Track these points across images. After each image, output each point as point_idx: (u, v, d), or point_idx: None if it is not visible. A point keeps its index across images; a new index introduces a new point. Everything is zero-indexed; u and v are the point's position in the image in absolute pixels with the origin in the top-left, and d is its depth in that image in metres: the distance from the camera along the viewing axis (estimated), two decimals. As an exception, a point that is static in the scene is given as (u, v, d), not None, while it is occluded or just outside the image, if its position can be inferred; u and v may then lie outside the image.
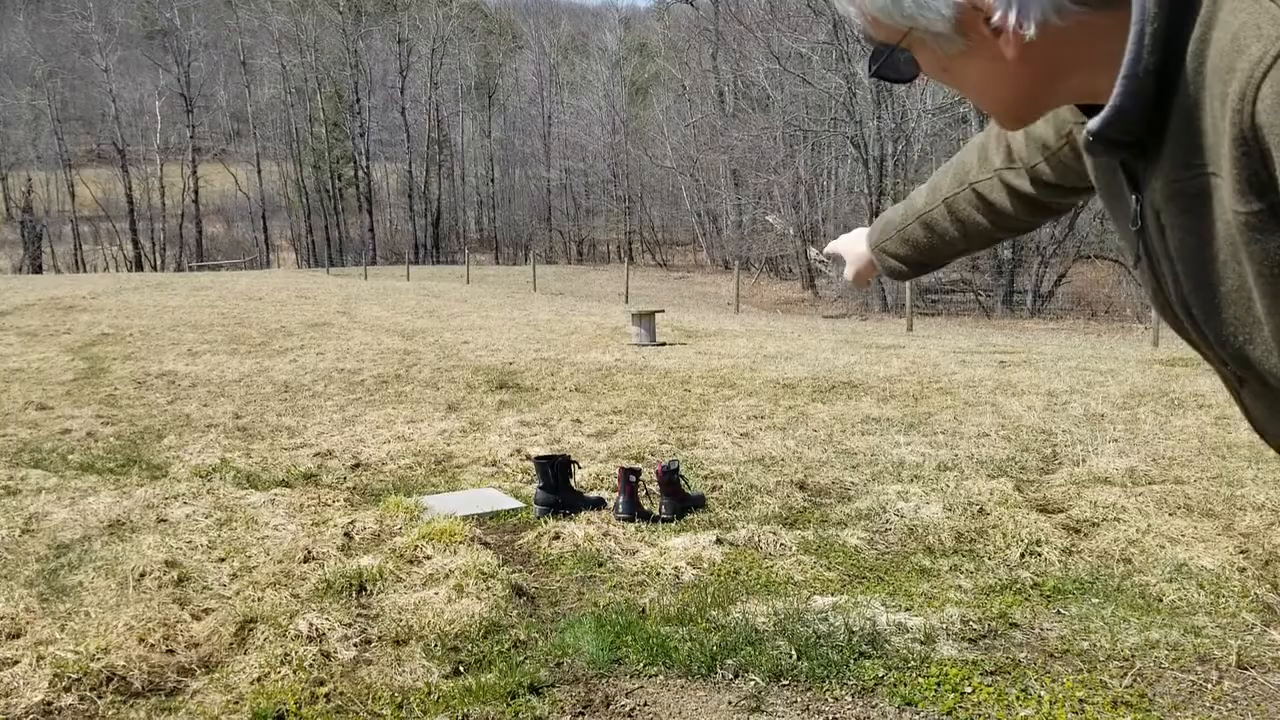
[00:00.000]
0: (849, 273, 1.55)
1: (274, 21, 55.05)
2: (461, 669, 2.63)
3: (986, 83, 0.82)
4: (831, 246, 1.59)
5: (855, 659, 2.66)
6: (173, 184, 52.27)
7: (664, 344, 11.56)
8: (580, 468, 4.53)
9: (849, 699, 2.49)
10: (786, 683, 2.57)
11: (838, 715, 2.42)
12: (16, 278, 32.61)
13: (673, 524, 4.03)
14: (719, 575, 3.39)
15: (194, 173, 52.39)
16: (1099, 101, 0.77)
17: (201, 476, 4.88)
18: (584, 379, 8.39)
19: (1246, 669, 2.62)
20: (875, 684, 2.54)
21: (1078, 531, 3.84)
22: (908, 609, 3.01)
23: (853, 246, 1.53)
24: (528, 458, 5.15)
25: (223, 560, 3.52)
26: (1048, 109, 0.87)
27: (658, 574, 3.40)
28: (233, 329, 12.85)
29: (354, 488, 4.77)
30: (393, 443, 5.80)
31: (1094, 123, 0.76)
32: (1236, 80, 0.65)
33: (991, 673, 2.59)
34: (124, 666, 2.53)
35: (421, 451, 5.54)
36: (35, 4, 58.23)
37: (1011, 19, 0.74)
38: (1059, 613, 3.02)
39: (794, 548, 3.66)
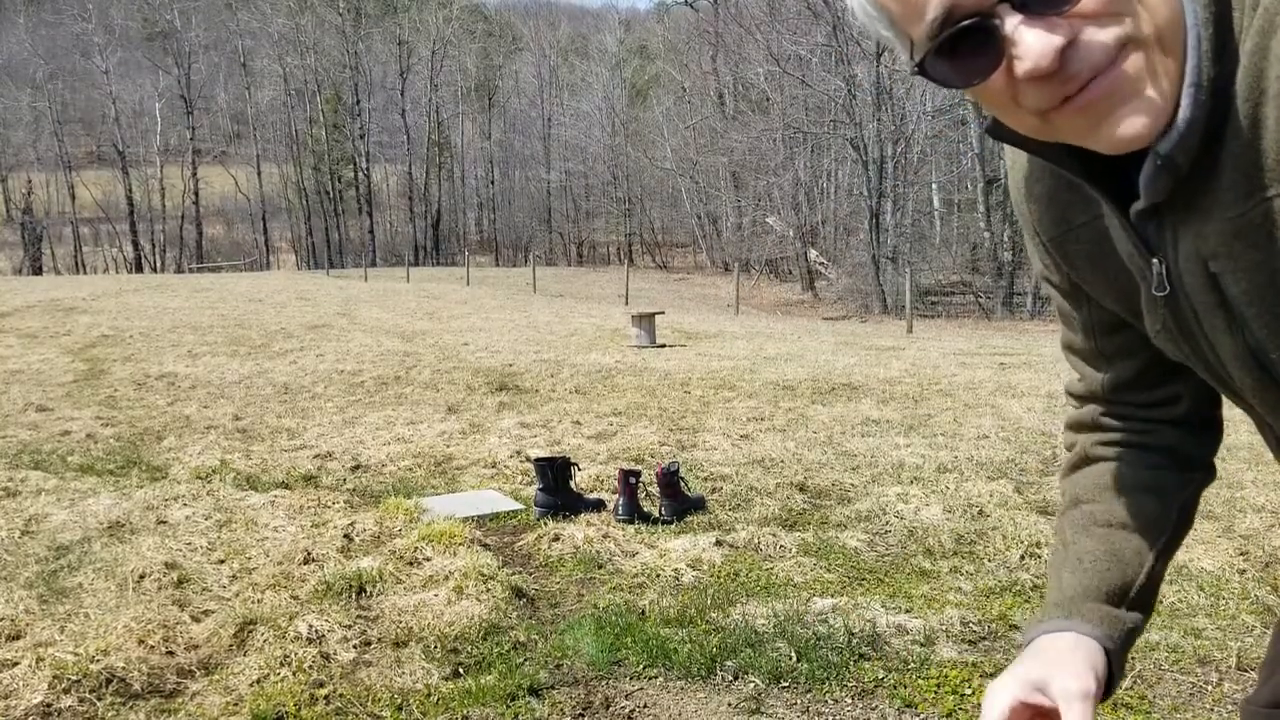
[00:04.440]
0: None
1: (274, 24, 55.05)
2: (461, 671, 2.63)
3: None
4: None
5: (855, 661, 2.66)
6: (173, 186, 52.26)
7: (664, 346, 11.56)
8: (580, 469, 4.53)
9: (849, 701, 2.48)
10: (786, 684, 2.57)
11: (837, 717, 2.42)
12: (16, 279, 32.60)
13: (673, 526, 4.03)
14: (719, 577, 3.39)
15: (194, 174, 52.37)
16: (1102, 147, 0.69)
17: (201, 478, 4.88)
18: (584, 381, 8.39)
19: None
20: (875, 686, 2.54)
21: (1077, 533, 3.84)
22: (907, 611, 3.01)
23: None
24: (527, 459, 5.15)
25: (222, 562, 3.52)
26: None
27: (657, 576, 3.39)
28: (233, 331, 12.84)
29: (354, 489, 4.77)
30: (392, 444, 5.79)
31: (1165, 143, 0.67)
32: None
33: (991, 675, 2.59)
34: (124, 668, 2.53)
35: (421, 453, 5.54)
36: (35, 5, 58.26)
37: None
38: (1059, 615, 3.01)
39: (794, 550, 3.66)
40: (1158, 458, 0.95)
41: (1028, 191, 0.87)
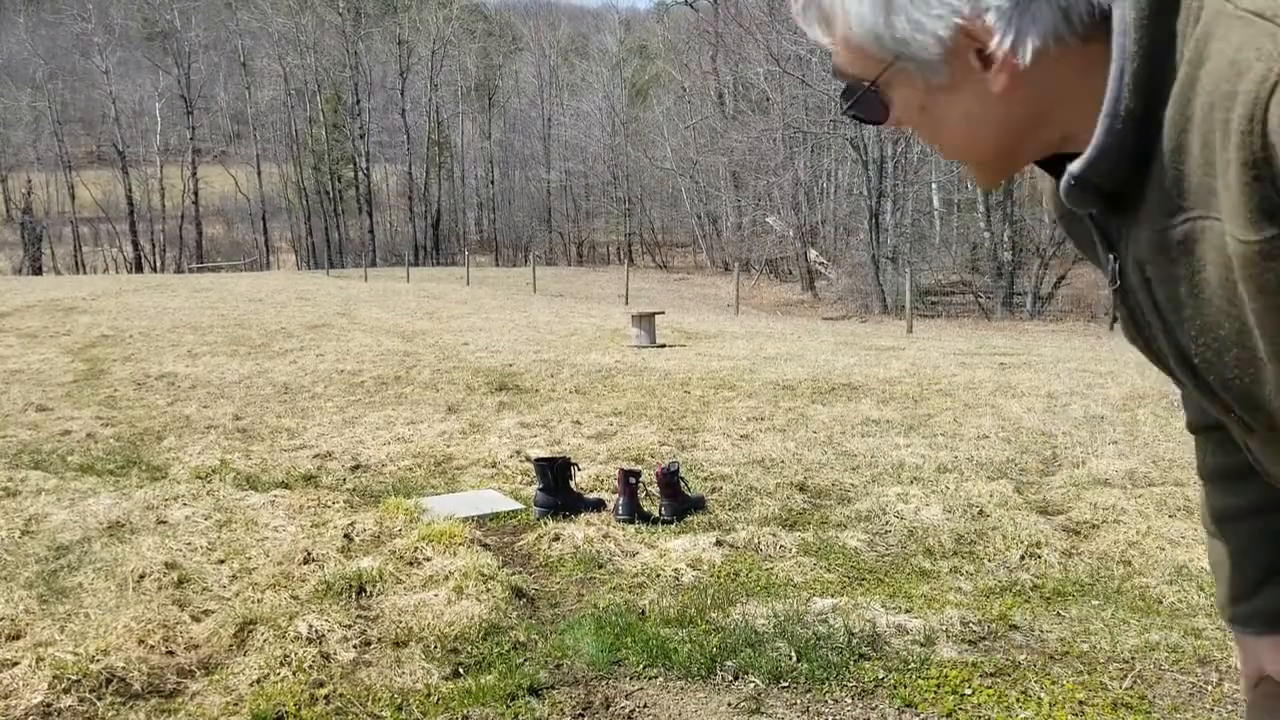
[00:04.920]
0: None
1: (274, 23, 55.04)
2: (461, 671, 2.63)
3: (968, 123, 0.78)
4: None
5: (855, 661, 2.66)
6: (173, 185, 52.24)
7: (664, 346, 11.56)
8: (580, 469, 4.53)
9: (849, 701, 2.49)
10: (786, 684, 2.57)
11: (837, 717, 2.42)
12: (16, 279, 32.61)
13: (673, 526, 4.03)
14: (719, 577, 3.39)
15: (194, 174, 52.36)
16: (1076, 149, 0.75)
17: (201, 478, 4.88)
18: (584, 381, 8.39)
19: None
20: (875, 686, 2.54)
21: (1077, 533, 3.84)
22: (907, 611, 3.01)
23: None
24: (527, 459, 5.15)
25: (222, 562, 3.52)
26: (1027, 158, 0.84)
27: (657, 576, 3.39)
28: (232, 330, 12.84)
29: (354, 489, 4.77)
30: (392, 444, 5.79)
31: (1076, 164, 0.74)
32: (1240, 104, 0.63)
33: (991, 674, 2.59)
34: (123, 668, 2.53)
35: (421, 453, 5.54)
36: (35, 5, 58.26)
37: (1007, 44, 0.71)
38: (1059, 614, 3.02)
39: (794, 549, 3.66)
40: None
41: (1040, 178, 0.94)
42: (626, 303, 21.74)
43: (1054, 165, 0.83)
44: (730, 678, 2.60)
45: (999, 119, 0.77)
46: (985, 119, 0.77)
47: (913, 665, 2.65)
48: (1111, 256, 0.81)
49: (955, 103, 0.77)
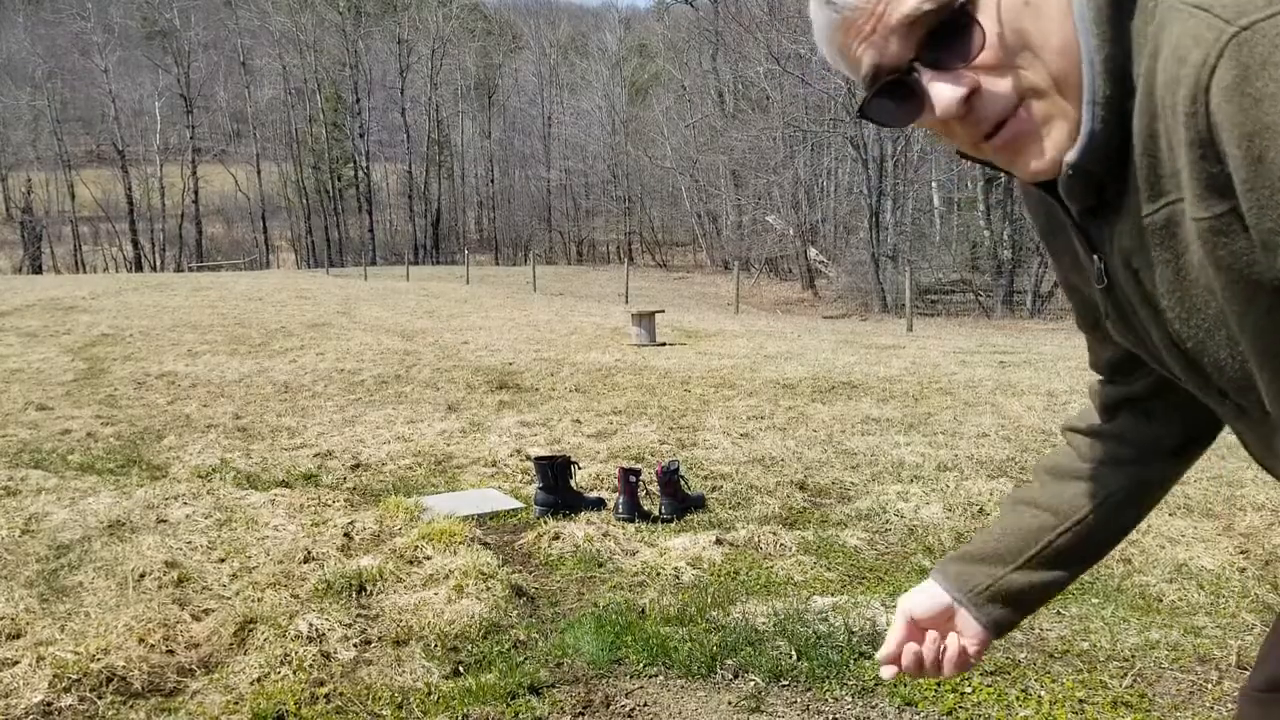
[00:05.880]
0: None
1: (274, 22, 55.04)
2: (461, 669, 2.63)
3: (1062, 12, 0.75)
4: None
5: (855, 659, 2.66)
6: (172, 185, 52.24)
7: (664, 344, 11.56)
8: (580, 468, 4.53)
9: (849, 699, 2.49)
10: (786, 683, 2.57)
11: (838, 715, 2.42)
12: (16, 278, 32.59)
13: (673, 524, 4.03)
14: (719, 576, 3.39)
15: (194, 173, 52.36)
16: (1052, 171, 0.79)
17: (201, 477, 4.88)
18: (584, 379, 8.39)
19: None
20: (875, 684, 2.54)
21: (1078, 532, 3.84)
22: (908, 609, 3.01)
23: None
24: (527, 458, 5.15)
25: (223, 561, 3.52)
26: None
27: (658, 574, 3.40)
28: (232, 329, 12.84)
29: (354, 488, 4.78)
30: (392, 443, 5.80)
31: (1072, 153, 0.76)
32: (1184, 88, 0.67)
33: (991, 673, 2.59)
34: (124, 667, 2.53)
35: (421, 452, 5.54)
36: (35, 4, 58.23)
37: None
38: (1059, 613, 3.02)
39: (794, 548, 3.66)
40: (1105, 447, 1.06)
41: (1025, 198, 0.97)
42: (626, 301, 21.73)
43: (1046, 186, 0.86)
44: (730, 676, 2.60)
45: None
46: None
47: (913, 664, 2.65)
48: (1096, 257, 0.84)
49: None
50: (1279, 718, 1.03)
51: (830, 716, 2.41)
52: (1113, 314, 0.88)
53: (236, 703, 2.42)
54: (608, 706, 2.47)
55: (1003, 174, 0.88)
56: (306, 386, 8.29)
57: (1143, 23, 0.73)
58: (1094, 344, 1.05)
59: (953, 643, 1.08)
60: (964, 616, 1.08)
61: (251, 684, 2.50)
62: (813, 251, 32.03)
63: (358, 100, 55.66)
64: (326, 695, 2.47)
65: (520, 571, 3.44)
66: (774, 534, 3.77)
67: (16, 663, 2.57)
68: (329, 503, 4.29)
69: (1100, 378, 1.08)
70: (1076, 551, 1.06)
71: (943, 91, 0.77)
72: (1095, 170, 0.77)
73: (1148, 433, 1.04)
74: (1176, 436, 1.04)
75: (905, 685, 2.53)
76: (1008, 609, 1.07)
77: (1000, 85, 0.76)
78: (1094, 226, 0.83)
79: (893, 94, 0.80)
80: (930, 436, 5.75)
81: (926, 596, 1.10)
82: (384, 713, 2.41)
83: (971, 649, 1.07)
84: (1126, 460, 1.05)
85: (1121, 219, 0.79)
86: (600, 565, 3.52)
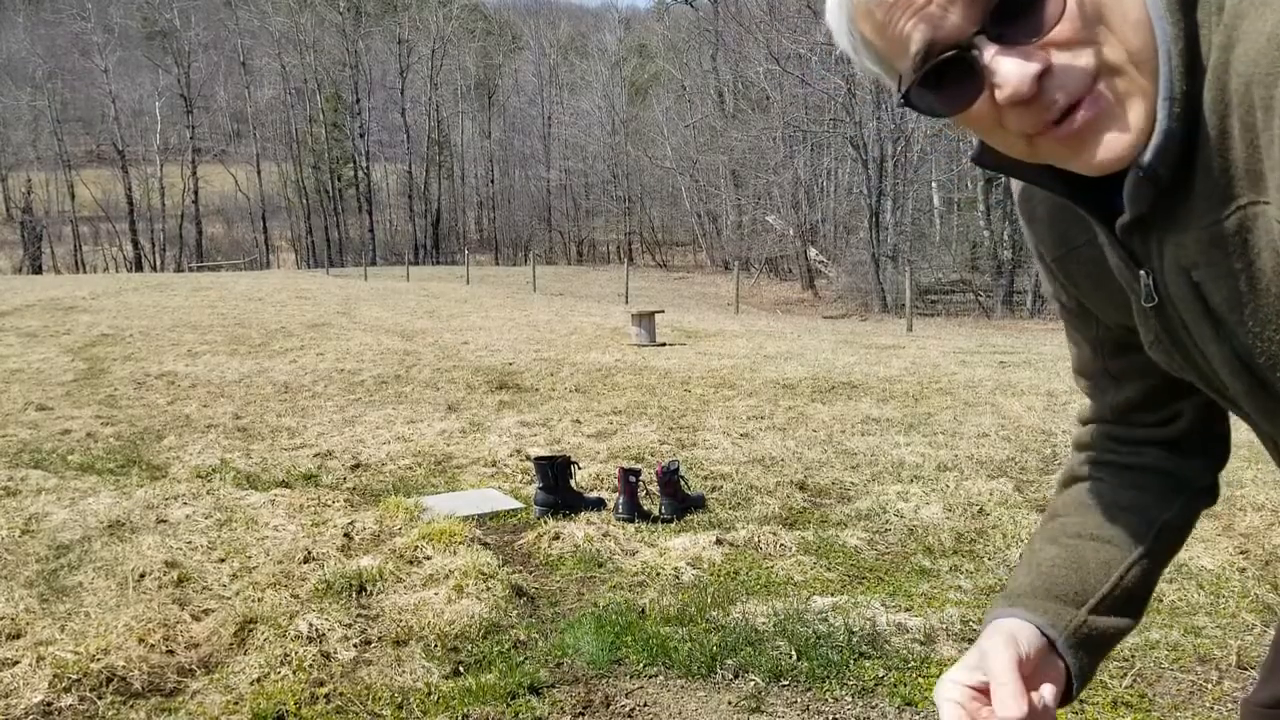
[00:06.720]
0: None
1: (273, 22, 55.04)
2: (461, 669, 2.64)
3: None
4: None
5: (855, 659, 2.66)
6: (172, 185, 52.24)
7: (664, 344, 11.56)
8: (580, 468, 4.53)
9: (849, 699, 2.49)
10: (786, 683, 2.57)
11: (838, 715, 2.42)
12: (16, 278, 32.59)
13: (672, 524, 4.03)
14: (719, 576, 3.39)
15: (194, 173, 52.35)
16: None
17: (201, 477, 4.88)
18: (584, 379, 8.39)
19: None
20: (875, 684, 2.54)
21: (1077, 532, 3.84)
22: (907, 609, 3.01)
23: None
24: (527, 458, 5.15)
25: (223, 561, 3.52)
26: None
27: (657, 574, 3.40)
28: (232, 330, 12.84)
29: (354, 488, 4.78)
30: (392, 443, 5.80)
31: (1148, 153, 0.69)
32: None
33: (991, 673, 2.59)
34: (124, 667, 2.53)
35: (421, 452, 5.54)
36: (35, 4, 58.23)
37: None
38: (1059, 613, 3.01)
39: (794, 548, 3.66)
40: (1143, 477, 0.96)
41: (1030, 214, 0.89)
42: (626, 301, 21.73)
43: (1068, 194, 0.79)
44: (730, 676, 2.60)
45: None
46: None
47: (913, 664, 2.65)
48: (1143, 273, 0.77)
49: None
50: None
51: (830, 716, 2.41)
52: (1163, 335, 0.80)
53: (236, 703, 2.42)
54: (608, 706, 2.47)
55: (1008, 178, 0.83)
56: (306, 387, 8.28)
57: (1206, 14, 0.68)
58: (1107, 386, 0.96)
59: (1048, 693, 0.82)
60: (1051, 663, 0.86)
61: (251, 684, 2.50)
62: (813, 251, 32.04)
63: (358, 100, 55.67)
64: (326, 695, 2.47)
65: (520, 571, 3.44)
66: (774, 534, 3.77)
67: (16, 663, 2.57)
68: (329, 503, 4.29)
69: (1094, 424, 1.00)
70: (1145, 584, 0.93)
71: (1012, 69, 0.67)
72: (1164, 174, 0.70)
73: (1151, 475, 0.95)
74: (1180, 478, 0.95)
75: (905, 685, 2.53)
76: (1091, 657, 0.89)
77: (1079, 60, 0.67)
78: (1137, 240, 0.75)
79: (947, 75, 0.70)
80: (930, 436, 5.75)
81: (1028, 633, 0.85)
82: (384, 713, 2.41)
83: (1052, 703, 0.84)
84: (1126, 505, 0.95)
85: (1179, 228, 0.72)
86: (600, 565, 3.52)
